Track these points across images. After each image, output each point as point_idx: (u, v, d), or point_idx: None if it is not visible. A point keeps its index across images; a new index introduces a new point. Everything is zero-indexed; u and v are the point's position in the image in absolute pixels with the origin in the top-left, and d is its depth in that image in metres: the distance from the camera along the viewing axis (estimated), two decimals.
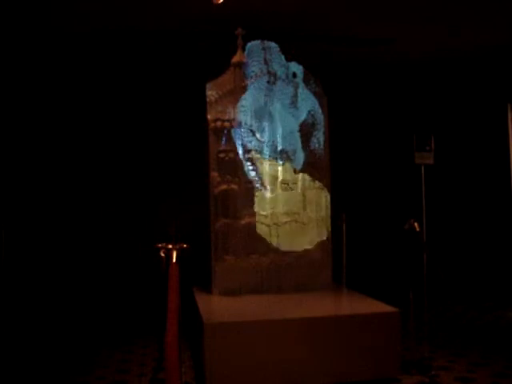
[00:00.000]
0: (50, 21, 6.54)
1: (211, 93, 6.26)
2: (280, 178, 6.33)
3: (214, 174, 6.19)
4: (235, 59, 6.33)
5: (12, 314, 6.53)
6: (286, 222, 6.28)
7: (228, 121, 6.24)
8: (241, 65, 6.31)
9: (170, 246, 4.14)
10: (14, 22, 6.40)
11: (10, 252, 6.90)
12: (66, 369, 5.35)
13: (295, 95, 6.42)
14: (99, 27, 6.75)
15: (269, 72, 6.32)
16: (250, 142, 6.28)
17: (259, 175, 6.29)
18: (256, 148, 6.29)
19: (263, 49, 6.41)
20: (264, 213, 6.23)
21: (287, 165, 6.36)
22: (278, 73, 6.35)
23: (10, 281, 6.81)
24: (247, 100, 6.29)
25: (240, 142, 6.26)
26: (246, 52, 6.35)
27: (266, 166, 6.30)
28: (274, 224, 6.25)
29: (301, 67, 6.52)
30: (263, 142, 6.32)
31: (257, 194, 6.25)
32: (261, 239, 6.21)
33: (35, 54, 7.18)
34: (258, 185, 6.25)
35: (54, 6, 6.12)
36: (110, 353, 5.88)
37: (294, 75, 6.43)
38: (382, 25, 6.94)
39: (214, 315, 5.37)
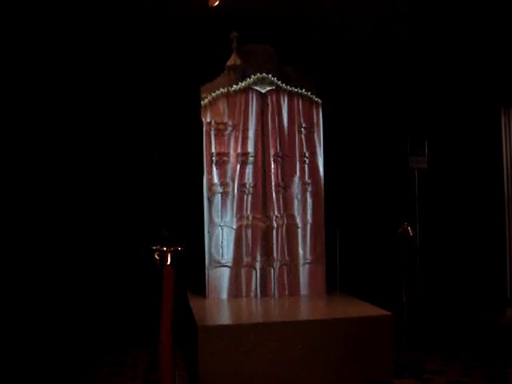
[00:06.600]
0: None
1: (206, 95, 6.26)
2: (274, 181, 6.33)
3: (208, 177, 6.19)
4: (230, 62, 6.33)
5: (4, 317, 6.49)
6: (280, 226, 6.28)
7: (222, 123, 6.24)
8: (235, 68, 6.31)
9: (165, 249, 4.14)
10: None
11: (3, 256, 6.86)
12: (58, 372, 5.32)
13: (289, 99, 6.43)
14: (96, 29, 6.76)
15: (263, 75, 6.33)
16: (245, 145, 6.29)
17: (253, 178, 6.29)
18: (250, 151, 6.30)
19: (258, 52, 6.43)
20: (258, 216, 6.23)
21: (281, 168, 6.36)
22: (273, 76, 6.35)
23: (3, 284, 6.77)
24: (242, 103, 6.30)
25: (234, 145, 6.27)
26: (240, 55, 6.35)
27: (260, 169, 6.31)
28: (268, 227, 6.25)
29: (296, 71, 6.53)
30: (257, 146, 6.33)
31: (251, 197, 6.25)
32: (255, 242, 6.22)
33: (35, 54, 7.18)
34: (251, 188, 6.26)
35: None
36: (103, 355, 5.85)
37: (289, 79, 6.44)
38: (379, 26, 6.98)
39: (207, 318, 5.36)
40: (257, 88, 6.32)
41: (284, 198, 6.34)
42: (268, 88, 6.35)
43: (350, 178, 7.97)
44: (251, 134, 6.32)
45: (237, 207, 6.22)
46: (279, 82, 6.38)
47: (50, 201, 7.29)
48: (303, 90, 6.47)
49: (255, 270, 6.19)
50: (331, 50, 7.63)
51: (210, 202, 6.16)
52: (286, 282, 6.28)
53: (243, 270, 6.17)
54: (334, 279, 6.48)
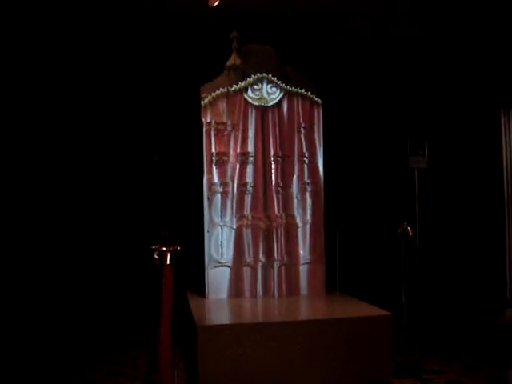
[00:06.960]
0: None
1: (206, 95, 6.26)
2: (274, 181, 6.33)
3: (208, 177, 6.19)
4: (230, 62, 6.33)
5: (4, 317, 6.49)
6: (279, 226, 6.28)
7: (222, 123, 6.24)
8: (235, 68, 6.31)
9: (164, 248, 4.14)
10: None
11: (3, 256, 6.86)
12: (58, 372, 5.32)
13: (289, 99, 6.43)
14: (97, 29, 6.77)
15: (263, 75, 6.33)
16: (244, 144, 6.29)
17: (253, 178, 6.29)
18: (250, 151, 6.29)
19: (258, 52, 6.43)
20: (258, 216, 6.23)
21: (281, 168, 6.36)
22: (273, 76, 6.35)
23: (3, 284, 6.77)
24: (242, 103, 6.30)
25: (234, 145, 6.27)
26: (240, 55, 6.35)
27: (260, 169, 6.31)
28: (268, 227, 6.25)
29: (296, 71, 6.53)
30: (257, 145, 6.33)
31: (250, 196, 6.25)
32: (255, 242, 6.21)
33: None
34: (251, 187, 6.25)
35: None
36: (103, 355, 5.85)
37: (289, 79, 6.44)
38: (379, 26, 6.99)
39: (206, 318, 5.37)
40: (257, 88, 6.32)
41: (284, 198, 6.34)
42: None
43: (350, 178, 7.97)
44: (251, 133, 6.31)
45: (236, 207, 6.21)
46: (279, 82, 6.38)
47: (50, 201, 7.29)
48: (303, 90, 6.46)
49: (255, 269, 6.19)
50: (331, 50, 7.63)
51: (210, 201, 6.16)
52: (285, 281, 6.28)
53: (243, 270, 6.16)
54: (333, 279, 6.48)
